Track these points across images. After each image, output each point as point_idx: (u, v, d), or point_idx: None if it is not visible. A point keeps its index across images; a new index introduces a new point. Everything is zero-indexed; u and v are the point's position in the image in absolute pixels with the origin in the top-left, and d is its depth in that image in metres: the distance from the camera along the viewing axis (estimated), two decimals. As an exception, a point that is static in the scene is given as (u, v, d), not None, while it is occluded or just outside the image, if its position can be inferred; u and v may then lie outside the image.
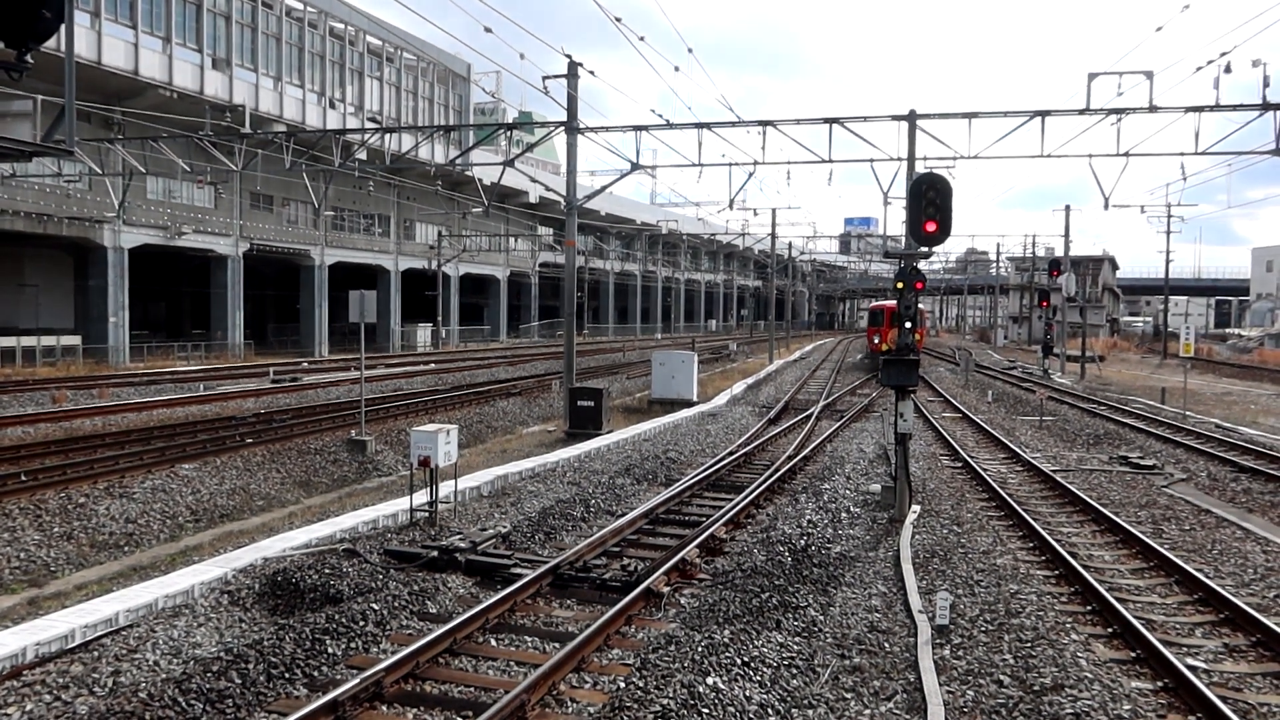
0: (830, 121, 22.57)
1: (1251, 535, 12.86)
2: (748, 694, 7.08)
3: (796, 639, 8.36)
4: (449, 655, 8.12)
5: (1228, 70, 20.75)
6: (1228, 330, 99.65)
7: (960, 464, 17.99)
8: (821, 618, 8.99)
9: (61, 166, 34.28)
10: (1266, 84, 20.51)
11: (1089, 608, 9.50)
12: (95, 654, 7.79)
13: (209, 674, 7.23)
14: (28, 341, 36.20)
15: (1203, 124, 21.25)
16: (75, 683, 7.23)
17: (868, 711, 7.14)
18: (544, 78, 23.42)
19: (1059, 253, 50.81)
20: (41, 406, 24.53)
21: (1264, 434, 23.17)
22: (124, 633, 8.23)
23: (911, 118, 21.28)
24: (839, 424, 23.48)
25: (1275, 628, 8.61)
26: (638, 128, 24.13)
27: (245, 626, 8.74)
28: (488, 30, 19.81)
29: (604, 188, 31.63)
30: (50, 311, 41.53)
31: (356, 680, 7.05)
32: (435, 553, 10.58)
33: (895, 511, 13.28)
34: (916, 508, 13.70)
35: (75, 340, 38.41)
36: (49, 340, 37.25)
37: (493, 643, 8.53)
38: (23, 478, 15.36)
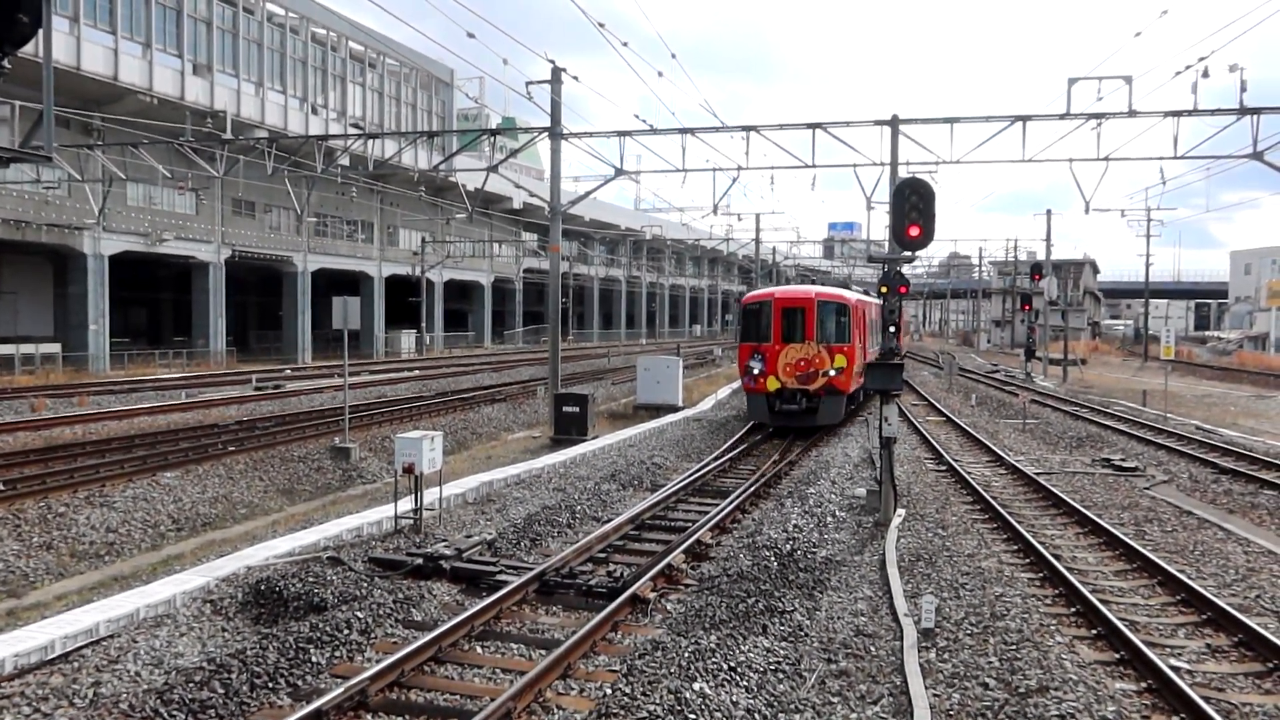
0: (813, 127, 22.64)
1: (1232, 536, 12.96)
2: (734, 699, 7.08)
3: (783, 644, 8.36)
4: (434, 663, 8.07)
5: (1205, 75, 21.01)
6: (1207, 333, 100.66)
7: (945, 467, 18.06)
8: (807, 622, 9.00)
9: (40, 172, 33.97)
10: (1244, 89, 20.76)
11: (1073, 610, 9.55)
12: (75, 665, 7.70)
13: (191, 684, 7.15)
14: (6, 349, 35.82)
15: (1181, 128, 21.45)
16: (55, 694, 7.14)
17: (854, 715, 7.14)
18: (527, 83, 23.42)
19: (1040, 256, 51.18)
20: (20, 414, 24.28)
21: (1244, 435, 23.38)
22: (104, 643, 8.14)
23: (894, 123, 21.41)
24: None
25: (1257, 628, 8.67)
26: (621, 133, 24.14)
27: (228, 636, 8.66)
28: (470, 36, 19.85)
29: (588, 193, 31.66)
30: (29, 319, 41.15)
31: (341, 689, 6.99)
32: (420, 560, 10.53)
33: (880, 515, 13.31)
34: (901, 511, 13.74)
35: (55, 348, 38.06)
36: (28, 348, 36.86)
37: (478, 650, 8.50)
38: (1, 487, 15.19)
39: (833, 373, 21.37)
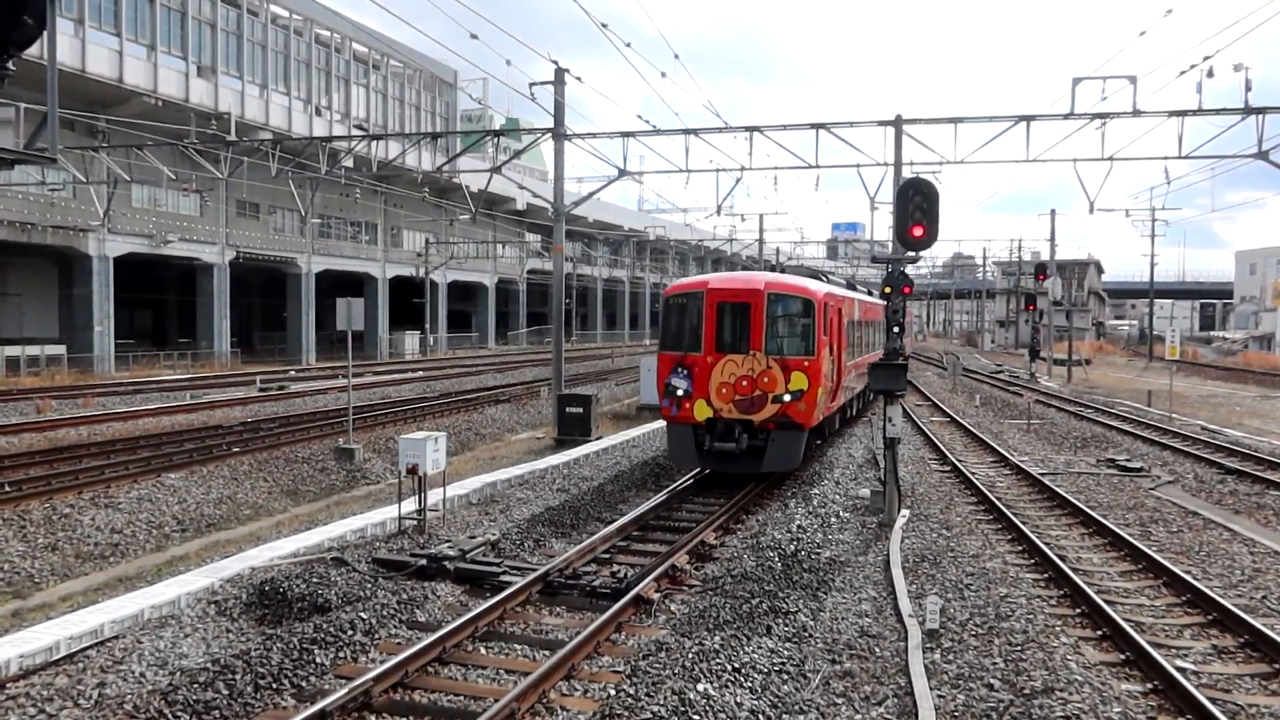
0: (817, 127, 22.61)
1: (1238, 537, 12.93)
2: (738, 700, 7.06)
3: (787, 644, 8.35)
4: (438, 664, 8.07)
5: (1210, 75, 20.91)
6: (1212, 333, 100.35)
7: (949, 468, 18.03)
8: (812, 623, 8.98)
9: (45, 174, 34.06)
10: (1249, 88, 20.66)
11: (1078, 610, 9.53)
12: (80, 666, 7.71)
13: (196, 685, 7.16)
14: (11, 351, 35.90)
15: (1186, 128, 21.40)
16: (60, 695, 7.15)
17: (859, 716, 7.13)
18: (531, 84, 23.47)
19: (1045, 257, 51.09)
20: (25, 416, 24.32)
21: (1249, 436, 23.31)
22: (109, 644, 8.15)
23: (898, 123, 21.38)
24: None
25: (1263, 629, 8.64)
26: (625, 134, 24.13)
27: (232, 637, 8.67)
28: (474, 37, 19.83)
29: (592, 194, 31.60)
30: (34, 321, 41.22)
31: (345, 690, 7.00)
32: (424, 561, 10.53)
33: (885, 516, 13.29)
34: (906, 512, 13.72)
35: (60, 349, 38.12)
36: (33, 350, 36.94)
37: (482, 651, 8.50)
38: (6, 488, 15.21)
39: (787, 398, 14.87)
